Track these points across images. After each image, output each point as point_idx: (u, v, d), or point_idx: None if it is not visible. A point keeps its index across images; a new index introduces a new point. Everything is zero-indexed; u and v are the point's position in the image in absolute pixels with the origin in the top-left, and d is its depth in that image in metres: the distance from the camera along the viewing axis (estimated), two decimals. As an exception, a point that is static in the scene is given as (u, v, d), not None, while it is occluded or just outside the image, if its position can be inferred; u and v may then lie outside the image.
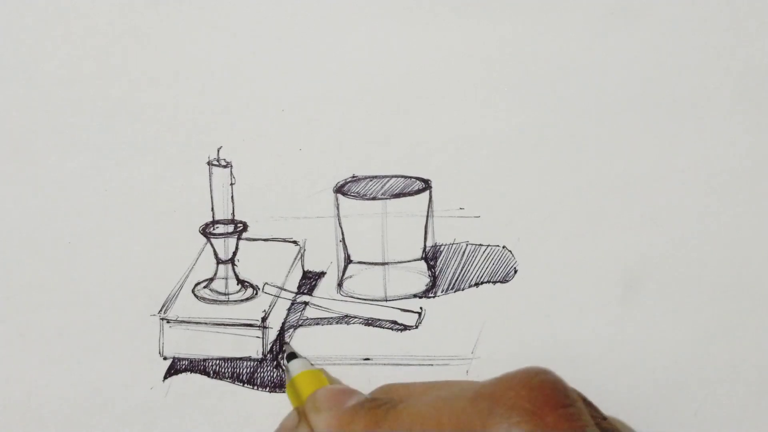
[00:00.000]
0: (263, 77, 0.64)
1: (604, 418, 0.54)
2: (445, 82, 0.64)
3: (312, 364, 0.61)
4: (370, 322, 0.63)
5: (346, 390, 0.57)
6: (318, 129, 0.64)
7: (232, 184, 0.63)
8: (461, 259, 0.64)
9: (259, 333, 0.62)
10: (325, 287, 0.64)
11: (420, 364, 0.62)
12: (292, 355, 0.61)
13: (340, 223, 0.64)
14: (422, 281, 0.64)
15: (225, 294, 0.64)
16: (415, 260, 0.64)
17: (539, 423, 0.48)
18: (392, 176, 0.64)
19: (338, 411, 0.55)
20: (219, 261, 0.64)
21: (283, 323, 0.63)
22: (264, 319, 0.62)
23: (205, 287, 0.64)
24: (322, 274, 0.64)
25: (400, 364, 0.62)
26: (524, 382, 0.50)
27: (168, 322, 0.62)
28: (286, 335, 0.63)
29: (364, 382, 0.62)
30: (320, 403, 0.56)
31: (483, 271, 0.64)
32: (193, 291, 0.63)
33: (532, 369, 0.51)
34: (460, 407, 0.50)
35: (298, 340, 0.63)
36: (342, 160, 0.64)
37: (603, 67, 0.63)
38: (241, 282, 0.64)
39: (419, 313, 0.63)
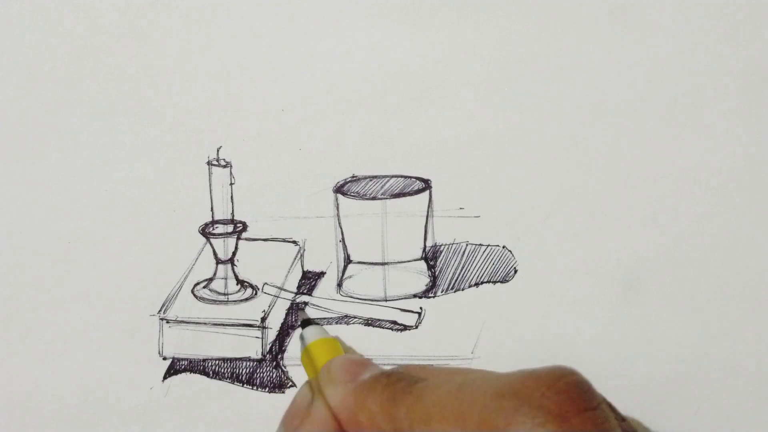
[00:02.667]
0: (263, 77, 0.64)
1: (623, 419, 0.54)
2: (445, 82, 0.64)
3: (327, 332, 0.60)
4: (370, 322, 0.63)
5: (363, 361, 0.55)
6: (318, 129, 0.64)
7: (231, 184, 0.63)
8: (461, 259, 0.64)
9: (258, 333, 0.62)
10: (325, 287, 0.64)
11: (420, 364, 0.62)
12: (307, 322, 0.59)
13: (339, 223, 0.64)
14: (422, 281, 0.64)
15: (224, 294, 0.64)
16: (415, 260, 0.64)
17: (564, 425, 0.48)
18: (392, 176, 0.64)
19: (353, 384, 0.53)
20: (218, 261, 0.64)
21: (283, 322, 0.63)
22: (263, 319, 0.62)
23: (204, 287, 0.64)
24: (321, 274, 0.64)
25: (400, 364, 0.62)
26: (551, 382, 0.49)
27: (167, 322, 0.62)
28: (301, 304, 0.62)
29: (364, 382, 0.62)
30: (335, 374, 0.54)
31: (483, 271, 0.63)
32: (192, 291, 0.63)
33: (558, 369, 0.50)
34: (483, 402, 0.49)
35: (298, 341, 0.63)
36: (342, 160, 0.64)
37: (603, 67, 0.63)
38: (241, 282, 0.64)
39: (419, 313, 0.63)
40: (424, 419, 0.50)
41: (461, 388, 0.50)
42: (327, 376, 0.54)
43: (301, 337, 0.59)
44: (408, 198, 0.63)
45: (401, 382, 0.52)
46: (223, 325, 0.63)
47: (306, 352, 0.58)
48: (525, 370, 0.50)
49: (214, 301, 0.63)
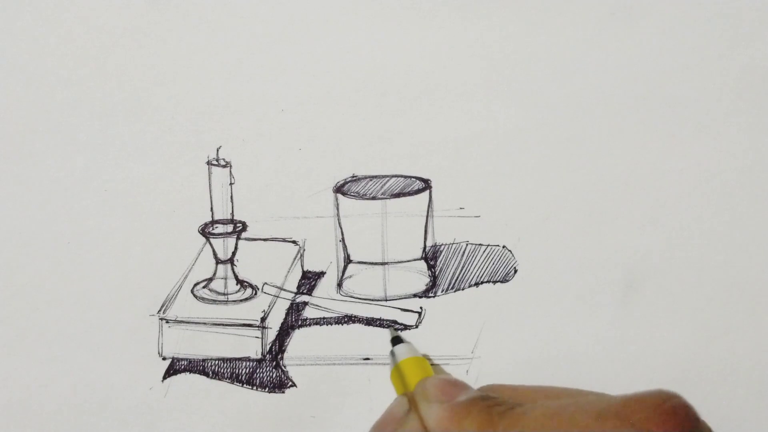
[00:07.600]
0: (263, 77, 0.64)
1: None
2: (445, 81, 0.64)
3: (417, 350, 0.60)
4: (370, 322, 0.63)
5: (457, 382, 0.56)
6: (318, 129, 0.64)
7: (231, 184, 0.63)
8: (461, 259, 0.64)
9: (258, 333, 0.62)
10: (325, 287, 0.64)
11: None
12: (398, 339, 0.61)
13: (339, 223, 0.64)
14: (422, 281, 0.64)
15: (224, 294, 0.64)
16: (415, 260, 0.64)
17: None
18: (392, 176, 0.64)
19: (450, 404, 0.54)
20: (218, 261, 0.64)
21: (283, 322, 0.64)
22: (263, 319, 0.62)
23: (204, 287, 0.64)
24: (321, 274, 0.64)
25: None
26: (656, 405, 0.49)
27: (167, 322, 0.63)
28: (393, 324, 0.63)
29: (364, 381, 0.62)
30: (430, 393, 0.55)
31: (483, 271, 0.63)
32: (192, 291, 0.63)
33: (664, 392, 0.50)
34: (583, 423, 0.49)
35: (298, 341, 0.63)
36: (342, 160, 0.64)
37: (603, 67, 0.63)
38: (241, 282, 0.64)
39: (419, 313, 0.63)
40: None
41: (560, 409, 0.50)
42: (422, 394, 0.55)
43: (392, 354, 0.60)
44: (408, 198, 0.63)
45: (499, 405, 0.53)
46: (223, 325, 0.63)
47: (397, 368, 0.59)
48: (626, 393, 0.50)
49: (214, 301, 0.63)
